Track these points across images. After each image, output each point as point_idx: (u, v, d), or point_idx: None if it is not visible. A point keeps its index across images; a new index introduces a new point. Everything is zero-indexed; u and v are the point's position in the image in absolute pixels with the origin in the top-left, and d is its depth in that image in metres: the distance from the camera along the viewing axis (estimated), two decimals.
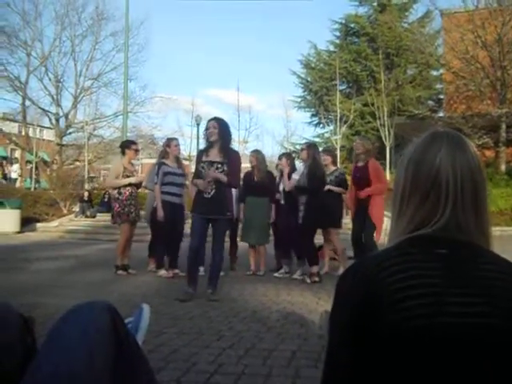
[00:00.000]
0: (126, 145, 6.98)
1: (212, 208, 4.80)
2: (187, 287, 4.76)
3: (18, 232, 15.24)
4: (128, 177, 6.63)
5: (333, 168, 6.98)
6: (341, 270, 6.23)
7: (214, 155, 4.89)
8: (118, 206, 6.55)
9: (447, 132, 1.04)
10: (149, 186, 7.16)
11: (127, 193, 6.59)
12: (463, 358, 0.84)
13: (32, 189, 22.88)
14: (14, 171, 25.05)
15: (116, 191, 6.61)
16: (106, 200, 17.87)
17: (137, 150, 7.01)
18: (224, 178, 4.81)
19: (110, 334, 1.19)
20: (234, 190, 7.16)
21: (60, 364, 1.07)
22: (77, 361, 1.08)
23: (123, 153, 6.81)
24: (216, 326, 3.56)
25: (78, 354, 1.09)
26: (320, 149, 7.06)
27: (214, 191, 4.81)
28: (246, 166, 7.42)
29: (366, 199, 6.06)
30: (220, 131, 4.85)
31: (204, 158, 4.93)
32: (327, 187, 6.61)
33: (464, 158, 0.99)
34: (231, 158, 4.90)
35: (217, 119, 5.03)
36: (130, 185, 6.62)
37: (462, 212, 0.96)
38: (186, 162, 18.31)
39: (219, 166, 4.83)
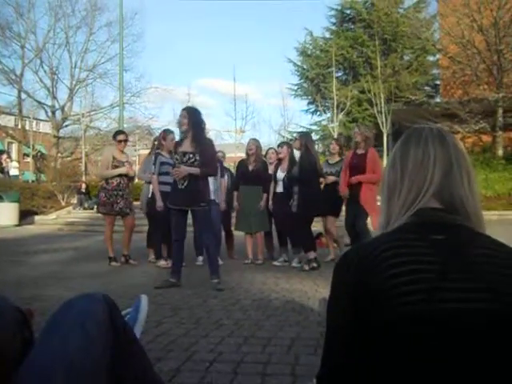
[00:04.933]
0: (113, 135, 7.12)
1: (185, 199, 4.84)
2: (170, 276, 4.89)
3: (17, 225, 15.25)
4: (117, 167, 6.62)
5: (338, 158, 6.95)
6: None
7: (187, 146, 4.90)
8: (103, 195, 6.59)
9: (428, 126, 1.09)
10: (142, 176, 7.14)
11: (115, 183, 6.58)
12: (463, 344, 0.84)
13: (30, 181, 22.85)
14: (13, 167, 24.97)
15: (104, 181, 6.66)
16: None
17: (123, 141, 6.86)
18: (196, 171, 4.82)
19: (106, 325, 1.19)
20: (226, 179, 7.15)
21: (57, 354, 1.07)
22: (74, 351, 1.08)
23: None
24: (215, 315, 3.57)
25: (76, 344, 1.10)
26: (316, 137, 7.04)
27: (186, 182, 4.84)
28: (242, 155, 7.40)
29: (358, 187, 6.03)
30: (190, 121, 4.85)
31: (178, 149, 4.94)
32: (333, 179, 6.59)
33: (445, 145, 1.03)
34: (203, 147, 4.89)
35: (187, 109, 5.04)
36: (119, 175, 6.61)
37: (453, 179, 1.00)
38: None
39: (191, 156, 4.85)
